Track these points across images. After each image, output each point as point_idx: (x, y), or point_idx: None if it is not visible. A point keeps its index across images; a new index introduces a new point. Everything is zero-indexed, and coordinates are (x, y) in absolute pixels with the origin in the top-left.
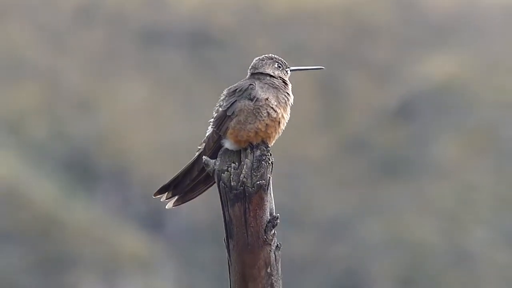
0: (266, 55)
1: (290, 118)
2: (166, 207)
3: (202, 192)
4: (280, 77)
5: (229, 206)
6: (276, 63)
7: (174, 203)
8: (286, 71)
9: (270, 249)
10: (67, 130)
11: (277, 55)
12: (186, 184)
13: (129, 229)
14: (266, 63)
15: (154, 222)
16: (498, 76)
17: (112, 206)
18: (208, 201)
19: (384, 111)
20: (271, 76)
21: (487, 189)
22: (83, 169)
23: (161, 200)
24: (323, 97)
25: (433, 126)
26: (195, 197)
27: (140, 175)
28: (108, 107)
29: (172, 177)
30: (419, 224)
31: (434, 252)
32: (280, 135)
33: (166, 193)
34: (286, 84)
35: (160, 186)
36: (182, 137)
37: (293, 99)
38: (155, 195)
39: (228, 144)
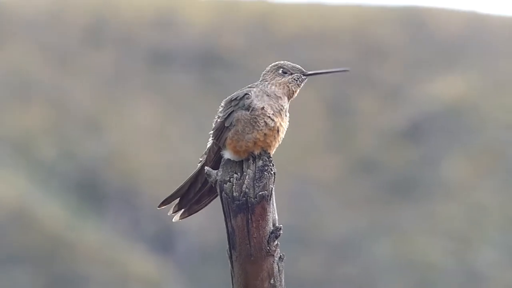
0: (276, 62)
1: (299, 138)
2: (173, 220)
3: (207, 204)
4: (275, 93)
5: (231, 217)
6: (281, 69)
7: (180, 215)
8: (296, 77)
9: (273, 260)
10: (75, 151)
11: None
12: (191, 197)
13: (138, 250)
14: (269, 71)
15: (163, 243)
16: (507, 96)
17: (121, 227)
18: (217, 222)
19: (394, 132)
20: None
21: (496, 209)
22: (92, 190)
23: (168, 214)
24: (332, 118)
25: (442, 147)
26: (201, 209)
27: (149, 196)
28: (117, 128)
29: (175, 189)
30: (429, 244)
31: (443, 272)
32: (280, 143)
33: (172, 207)
34: (278, 97)
35: (164, 198)
36: (191, 158)
37: (298, 115)
38: (159, 206)
39: (228, 155)
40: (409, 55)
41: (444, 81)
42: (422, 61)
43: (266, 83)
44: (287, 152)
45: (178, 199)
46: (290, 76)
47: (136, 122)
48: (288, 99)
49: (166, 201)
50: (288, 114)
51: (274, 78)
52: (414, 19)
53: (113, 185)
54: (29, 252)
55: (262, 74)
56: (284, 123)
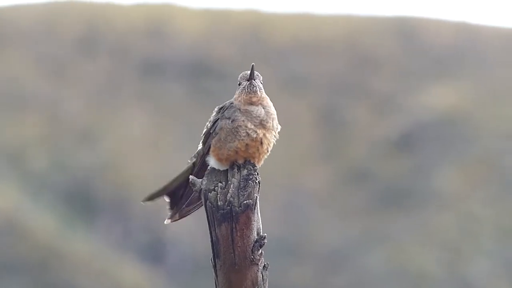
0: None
1: (292, 149)
2: (165, 222)
3: (198, 207)
4: (240, 97)
5: (216, 226)
6: (238, 82)
7: (172, 218)
8: (243, 86)
9: (257, 269)
10: (68, 162)
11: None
12: (182, 201)
13: (129, 260)
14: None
15: (154, 254)
16: (500, 106)
17: (112, 237)
18: (208, 232)
19: (386, 141)
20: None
21: (489, 219)
22: (83, 201)
23: (165, 222)
24: (324, 128)
25: (435, 156)
26: (192, 212)
27: (140, 206)
28: (109, 138)
29: (161, 187)
30: (422, 254)
31: (436, 282)
32: (267, 154)
33: (168, 215)
34: (250, 111)
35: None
36: (183, 167)
37: (291, 126)
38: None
39: (212, 161)
40: (401, 65)
41: (437, 91)
42: (415, 71)
43: (234, 98)
44: (279, 162)
45: (169, 202)
46: (239, 87)
47: (128, 132)
48: (255, 105)
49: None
50: (278, 126)
51: (236, 92)
52: (406, 29)
53: (104, 196)
54: (21, 263)
55: None
56: (269, 135)
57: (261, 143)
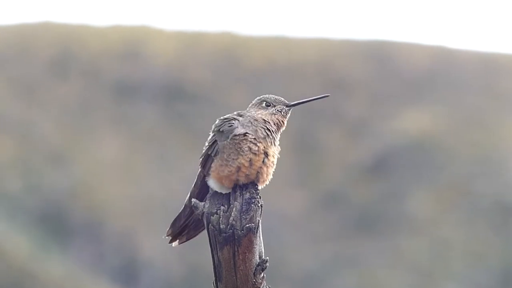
0: (261, 96)
1: None
2: (173, 245)
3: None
4: (263, 118)
5: (218, 249)
6: (264, 102)
7: (179, 240)
8: (280, 109)
9: None
10: (41, 184)
11: (277, 95)
12: (182, 222)
13: (103, 283)
14: (253, 104)
15: (128, 276)
16: (472, 131)
17: (85, 260)
18: (182, 254)
19: (359, 166)
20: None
21: (460, 245)
22: (56, 223)
23: (167, 239)
24: (298, 153)
25: (407, 181)
26: (198, 234)
27: (114, 229)
28: (82, 161)
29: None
30: (393, 279)
31: None
32: (274, 168)
33: (171, 232)
34: (266, 121)
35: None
36: (156, 191)
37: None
38: (167, 233)
39: (212, 183)
40: (375, 89)
41: (410, 115)
42: (388, 95)
43: (253, 113)
44: None
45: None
46: (273, 108)
47: (101, 155)
48: (278, 128)
49: (173, 228)
50: (278, 146)
51: (258, 110)
52: (380, 53)
53: (78, 218)
54: None
55: (247, 108)
56: (271, 150)
57: (267, 154)
